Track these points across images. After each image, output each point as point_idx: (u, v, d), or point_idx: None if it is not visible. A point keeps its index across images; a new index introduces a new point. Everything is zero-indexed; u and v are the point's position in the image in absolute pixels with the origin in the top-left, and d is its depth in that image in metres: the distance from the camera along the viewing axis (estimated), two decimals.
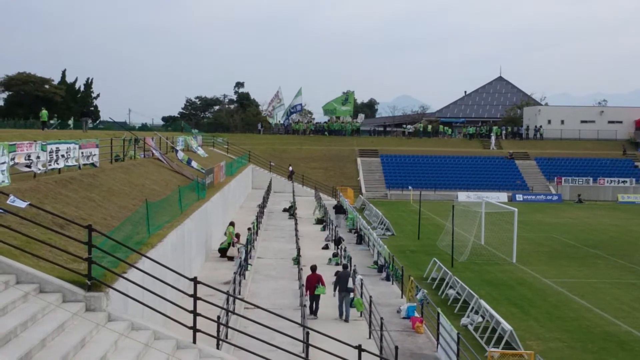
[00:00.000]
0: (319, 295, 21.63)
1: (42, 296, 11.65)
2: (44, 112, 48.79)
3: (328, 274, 24.88)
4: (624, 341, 22.01)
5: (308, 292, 21.56)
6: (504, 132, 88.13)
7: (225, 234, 30.61)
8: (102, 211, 19.00)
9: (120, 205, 20.77)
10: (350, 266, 25.08)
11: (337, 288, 21.75)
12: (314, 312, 21.55)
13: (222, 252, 29.87)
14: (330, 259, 30.45)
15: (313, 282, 21.62)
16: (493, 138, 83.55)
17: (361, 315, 21.65)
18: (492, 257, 35.86)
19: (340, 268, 25.62)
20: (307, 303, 20.99)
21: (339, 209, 46.97)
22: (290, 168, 69.27)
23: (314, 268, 22.43)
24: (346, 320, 21.24)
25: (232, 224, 31.07)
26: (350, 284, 21.67)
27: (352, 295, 21.56)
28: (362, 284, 22.42)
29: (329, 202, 58.16)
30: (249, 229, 31.44)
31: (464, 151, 79.45)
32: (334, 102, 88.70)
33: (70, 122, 60.86)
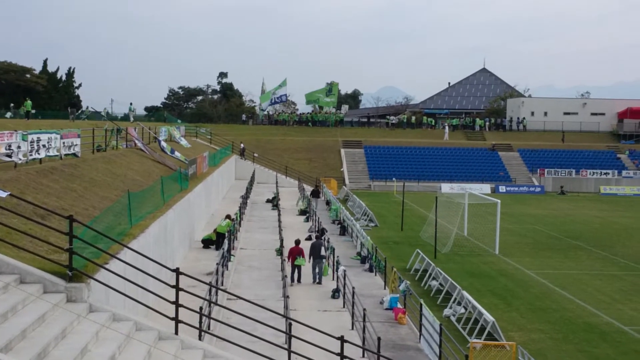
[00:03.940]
0: (300, 266, 24.40)
1: (23, 287, 11.54)
2: (29, 102, 49.13)
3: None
4: (605, 332, 22.19)
5: (290, 262, 24.43)
6: (487, 123, 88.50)
7: (222, 224, 29.95)
8: (84, 202, 18.86)
9: (102, 196, 20.63)
10: (334, 255, 25.89)
11: (312, 256, 24.65)
12: (296, 280, 24.47)
13: (206, 242, 29.76)
14: None
15: (295, 254, 24.43)
16: (447, 129, 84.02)
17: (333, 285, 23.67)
18: (475, 248, 36.02)
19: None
20: (289, 273, 24.08)
21: (315, 193, 51.15)
22: (242, 145, 69.84)
23: (297, 241, 25.17)
24: (319, 283, 24.44)
25: (228, 216, 30.72)
26: (322, 252, 25.14)
27: (324, 261, 24.91)
28: (344, 274, 22.48)
29: None
30: (233, 219, 31.30)
31: (448, 142, 79.64)
32: (317, 93, 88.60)
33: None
